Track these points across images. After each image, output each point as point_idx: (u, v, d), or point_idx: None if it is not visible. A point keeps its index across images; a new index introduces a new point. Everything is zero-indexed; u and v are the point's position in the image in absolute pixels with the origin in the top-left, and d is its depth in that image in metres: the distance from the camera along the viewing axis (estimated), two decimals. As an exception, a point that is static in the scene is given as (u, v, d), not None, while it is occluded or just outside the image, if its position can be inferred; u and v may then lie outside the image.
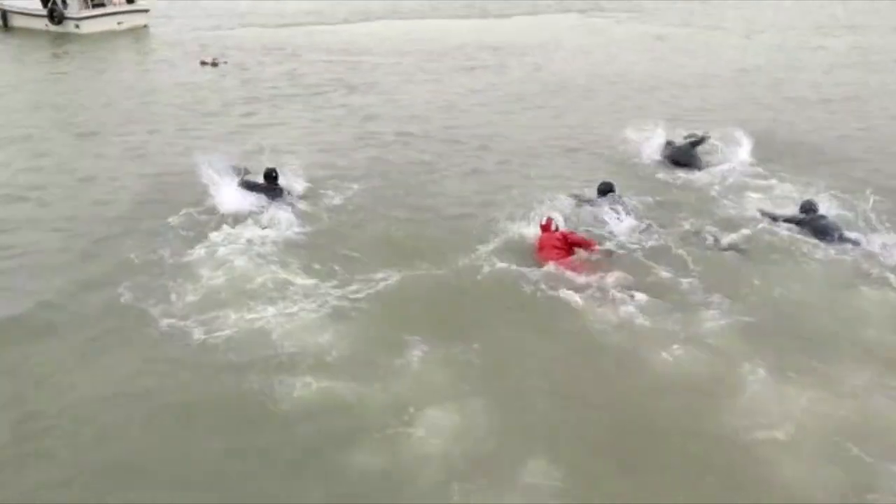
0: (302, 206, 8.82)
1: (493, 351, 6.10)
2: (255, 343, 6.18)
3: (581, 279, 6.80)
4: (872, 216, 7.99)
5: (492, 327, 6.44)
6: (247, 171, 8.96)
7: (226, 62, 18.71)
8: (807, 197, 8.30)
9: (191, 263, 7.44)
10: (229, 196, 8.56)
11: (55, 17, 23.23)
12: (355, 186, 9.59)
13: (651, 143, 10.61)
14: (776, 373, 5.76)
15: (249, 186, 8.77)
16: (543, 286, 6.88)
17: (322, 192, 9.38)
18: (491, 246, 7.65)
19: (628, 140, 10.97)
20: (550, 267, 6.91)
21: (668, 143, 10.38)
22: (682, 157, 9.93)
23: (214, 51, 20.22)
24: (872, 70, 17.46)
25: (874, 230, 7.77)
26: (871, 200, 8.14)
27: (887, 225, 7.89)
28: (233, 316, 6.50)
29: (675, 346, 6.06)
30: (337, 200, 9.13)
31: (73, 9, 23.24)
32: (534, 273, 7.07)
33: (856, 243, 7.45)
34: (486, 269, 7.24)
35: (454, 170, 10.50)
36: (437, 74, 17.55)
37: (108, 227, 8.57)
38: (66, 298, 7.02)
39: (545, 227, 7.30)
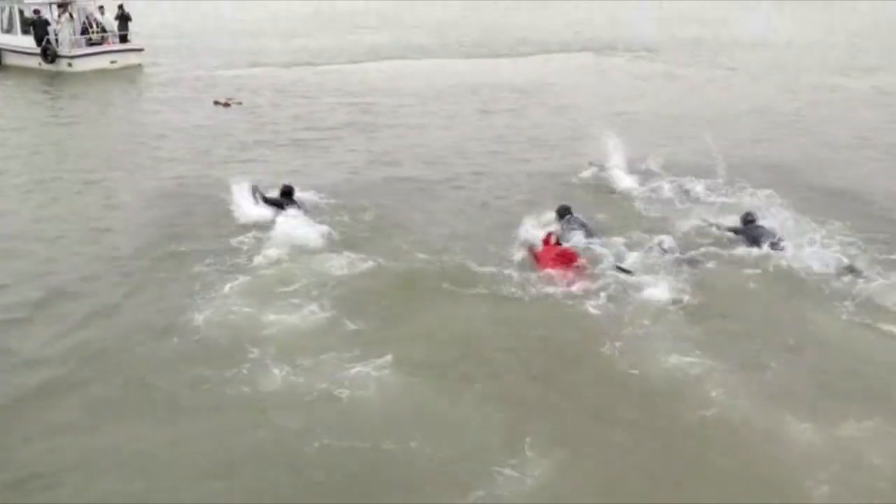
0: (321, 223, 9.05)
1: (532, 386, 6.08)
2: (285, 388, 5.96)
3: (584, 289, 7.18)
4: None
5: (525, 359, 6.46)
6: (256, 190, 9.41)
7: (239, 103, 17.81)
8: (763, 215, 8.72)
9: (212, 311, 7.14)
10: (252, 212, 9.06)
11: (48, 55, 22.67)
12: (375, 236, 9.25)
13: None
14: (810, 409, 5.71)
15: (269, 202, 9.19)
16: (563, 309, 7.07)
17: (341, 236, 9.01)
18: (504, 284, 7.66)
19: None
20: (557, 276, 7.27)
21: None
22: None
23: (219, 91, 19.30)
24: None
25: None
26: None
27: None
28: (253, 355, 6.33)
29: (710, 387, 6.02)
30: (356, 232, 9.08)
31: (67, 47, 22.66)
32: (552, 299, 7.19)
33: (786, 251, 7.97)
34: (507, 301, 7.35)
35: (478, 217, 10.05)
36: (455, 117, 16.77)
37: (123, 280, 8.11)
38: (81, 357, 6.60)
39: (546, 241, 7.80)
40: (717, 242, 8.44)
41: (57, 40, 22.61)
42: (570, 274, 7.21)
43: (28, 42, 23.30)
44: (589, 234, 8.30)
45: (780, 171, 11.47)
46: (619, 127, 14.64)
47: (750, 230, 8.20)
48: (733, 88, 19.94)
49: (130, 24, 23.99)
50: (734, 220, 8.80)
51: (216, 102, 17.62)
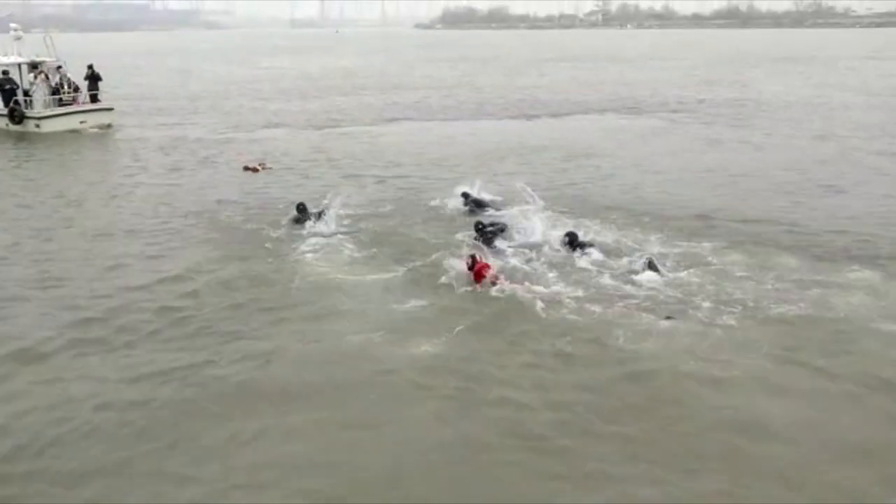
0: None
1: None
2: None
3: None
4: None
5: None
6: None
7: (270, 168, 15.53)
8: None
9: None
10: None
11: (16, 116, 21.54)
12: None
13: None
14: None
15: (295, 220, 11.16)
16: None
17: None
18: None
19: None
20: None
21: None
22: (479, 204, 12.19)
23: (226, 154, 16.99)
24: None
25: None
26: None
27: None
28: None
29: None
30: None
31: (38, 106, 21.54)
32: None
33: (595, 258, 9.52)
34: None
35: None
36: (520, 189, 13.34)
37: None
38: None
39: (475, 260, 8.88)
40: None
41: (28, 101, 21.56)
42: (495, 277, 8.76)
43: (-12, 102, 22.20)
44: (505, 237, 10.29)
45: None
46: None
47: (580, 243, 9.88)
48: (791, 153, 17.54)
49: (101, 84, 22.95)
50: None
51: (245, 168, 15.58)
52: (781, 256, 9.61)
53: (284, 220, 11.09)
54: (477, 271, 8.65)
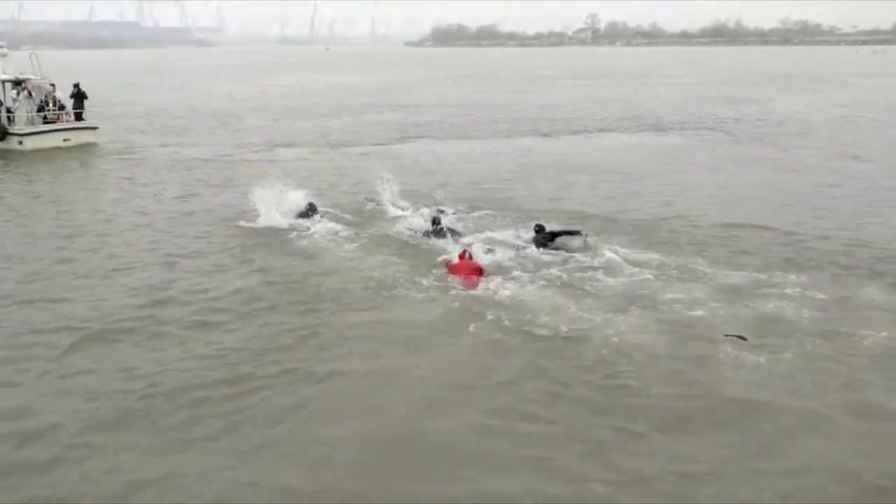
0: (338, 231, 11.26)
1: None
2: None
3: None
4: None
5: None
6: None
7: None
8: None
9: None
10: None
11: None
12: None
13: None
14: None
15: (300, 215, 11.98)
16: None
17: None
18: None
19: None
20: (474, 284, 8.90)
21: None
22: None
23: (243, 172, 15.90)
24: None
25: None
26: None
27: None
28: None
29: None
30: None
31: (21, 122, 21.04)
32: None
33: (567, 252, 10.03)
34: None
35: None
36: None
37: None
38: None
39: (462, 256, 9.31)
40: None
41: (10, 118, 21.06)
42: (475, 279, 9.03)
43: (-26, 119, 21.49)
44: (457, 234, 10.74)
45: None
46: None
47: (541, 237, 10.34)
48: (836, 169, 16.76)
49: (86, 102, 22.32)
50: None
51: None
52: (843, 279, 8.93)
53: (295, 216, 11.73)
54: (461, 267, 8.98)
